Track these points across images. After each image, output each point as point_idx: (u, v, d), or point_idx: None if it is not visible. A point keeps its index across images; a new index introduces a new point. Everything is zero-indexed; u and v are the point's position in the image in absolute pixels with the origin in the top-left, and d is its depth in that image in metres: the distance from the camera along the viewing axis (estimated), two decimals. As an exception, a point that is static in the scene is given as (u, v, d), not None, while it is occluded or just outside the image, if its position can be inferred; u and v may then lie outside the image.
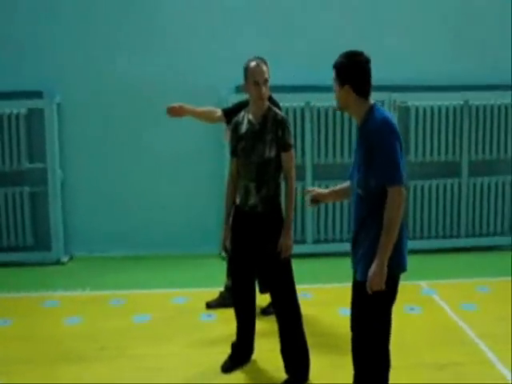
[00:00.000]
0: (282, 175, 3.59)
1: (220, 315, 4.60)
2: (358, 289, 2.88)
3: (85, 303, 4.93)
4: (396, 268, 2.79)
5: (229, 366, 3.71)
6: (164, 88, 6.07)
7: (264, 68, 3.51)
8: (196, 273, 5.73)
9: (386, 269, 2.65)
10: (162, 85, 6.09)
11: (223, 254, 6.02)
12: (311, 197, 3.14)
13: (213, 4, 6.19)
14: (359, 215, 2.80)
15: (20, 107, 5.93)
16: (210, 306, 4.73)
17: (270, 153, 3.48)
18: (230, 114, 4.38)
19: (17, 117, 5.93)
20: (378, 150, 2.68)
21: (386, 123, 2.72)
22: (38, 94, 5.99)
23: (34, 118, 5.98)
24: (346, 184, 3.08)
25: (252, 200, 3.52)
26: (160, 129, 6.12)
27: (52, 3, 6.05)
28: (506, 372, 3.64)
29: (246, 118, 3.61)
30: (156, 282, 5.45)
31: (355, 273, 2.89)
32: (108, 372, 3.74)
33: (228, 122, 4.46)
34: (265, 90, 3.50)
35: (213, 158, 6.20)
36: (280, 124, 3.51)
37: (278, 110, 3.63)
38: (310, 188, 3.34)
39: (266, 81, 3.50)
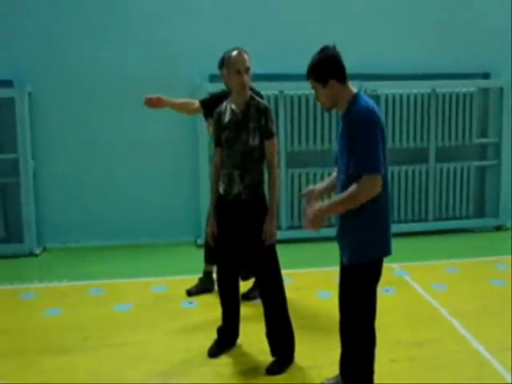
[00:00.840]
0: (264, 163, 3.66)
1: (201, 302, 4.66)
2: (345, 272, 3.00)
3: (63, 294, 4.90)
4: (380, 251, 2.91)
5: (215, 351, 3.78)
6: (138, 77, 6.07)
7: (245, 56, 3.55)
8: (172, 261, 5.76)
9: (324, 219, 2.83)
10: (135, 74, 6.08)
11: (198, 241, 6.09)
12: (307, 196, 3.06)
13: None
14: None
15: (-11, 96, 5.82)
16: (190, 293, 4.78)
17: (254, 141, 3.54)
18: (206, 105, 4.44)
19: (-15, 106, 5.82)
20: (359, 139, 2.76)
21: (369, 112, 2.80)
22: (7, 84, 5.88)
23: (5, 108, 5.87)
24: (334, 174, 3.15)
25: (236, 188, 3.57)
26: (134, 118, 6.10)
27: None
28: (479, 347, 3.83)
29: (228, 107, 3.65)
30: (133, 271, 5.46)
31: (342, 257, 3.00)
32: (93, 362, 3.75)
33: (205, 114, 4.52)
34: (246, 79, 3.55)
35: (187, 148, 6.23)
36: (263, 112, 3.56)
37: (260, 99, 3.68)
38: (303, 192, 3.17)
39: (247, 69, 3.54)
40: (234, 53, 3.55)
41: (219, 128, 3.66)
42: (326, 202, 2.86)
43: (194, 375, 3.57)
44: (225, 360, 3.73)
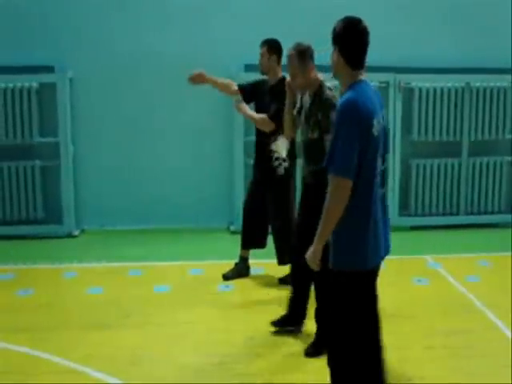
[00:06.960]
0: None
1: (237, 285, 4.78)
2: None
3: (103, 274, 5.05)
4: (356, 263, 2.59)
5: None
6: (175, 65, 6.15)
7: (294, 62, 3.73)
8: (207, 246, 5.85)
9: (318, 254, 2.60)
10: (173, 61, 6.16)
11: (231, 228, 6.20)
12: None
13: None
14: None
15: (31, 81, 5.96)
16: (226, 277, 4.88)
17: (313, 134, 3.63)
18: (244, 90, 4.78)
19: (28, 91, 5.95)
20: (336, 130, 2.52)
21: (355, 106, 2.49)
22: (49, 69, 6.03)
23: (46, 93, 6.01)
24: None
25: (302, 173, 3.90)
26: (171, 104, 6.22)
27: (64, -23, 6.07)
28: (513, 337, 3.91)
29: (305, 96, 3.78)
30: (169, 254, 5.58)
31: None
32: (136, 338, 3.89)
33: (245, 99, 4.75)
34: (295, 82, 3.71)
35: (223, 135, 6.31)
36: (323, 106, 3.55)
37: (327, 90, 3.60)
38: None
39: (294, 75, 3.71)
40: (287, 54, 3.82)
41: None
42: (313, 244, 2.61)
43: (235, 355, 3.66)
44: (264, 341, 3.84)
